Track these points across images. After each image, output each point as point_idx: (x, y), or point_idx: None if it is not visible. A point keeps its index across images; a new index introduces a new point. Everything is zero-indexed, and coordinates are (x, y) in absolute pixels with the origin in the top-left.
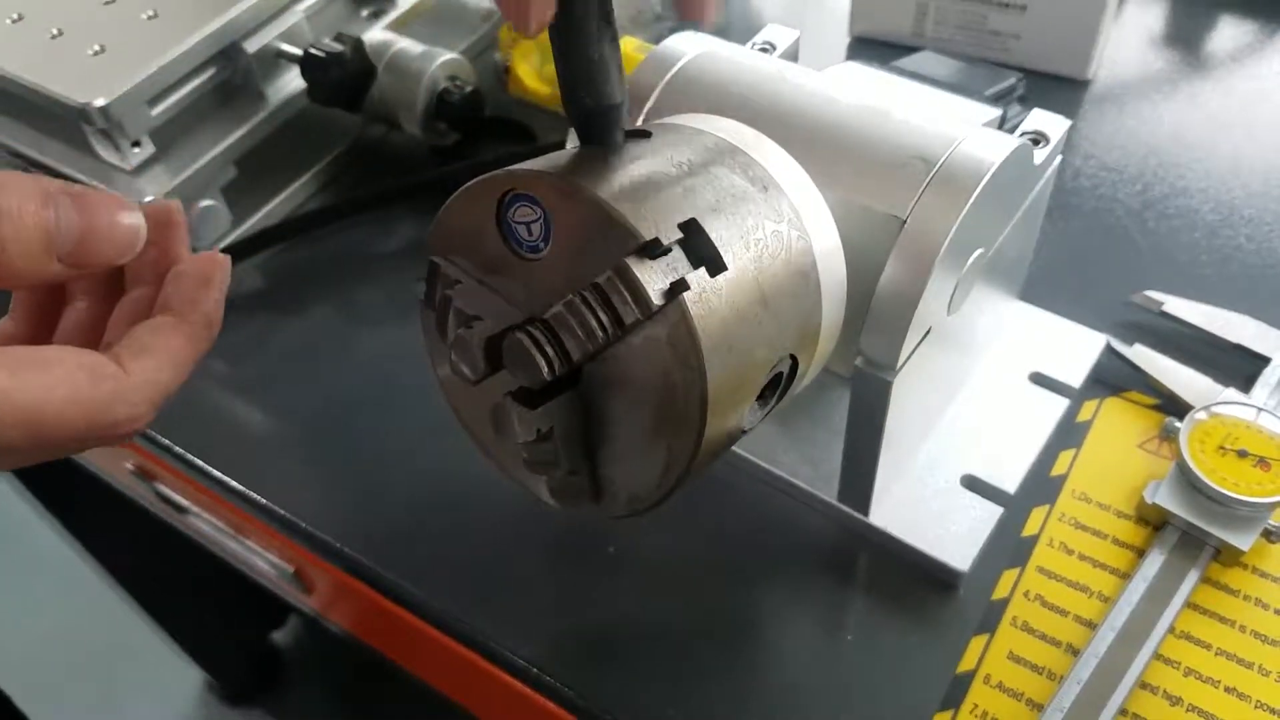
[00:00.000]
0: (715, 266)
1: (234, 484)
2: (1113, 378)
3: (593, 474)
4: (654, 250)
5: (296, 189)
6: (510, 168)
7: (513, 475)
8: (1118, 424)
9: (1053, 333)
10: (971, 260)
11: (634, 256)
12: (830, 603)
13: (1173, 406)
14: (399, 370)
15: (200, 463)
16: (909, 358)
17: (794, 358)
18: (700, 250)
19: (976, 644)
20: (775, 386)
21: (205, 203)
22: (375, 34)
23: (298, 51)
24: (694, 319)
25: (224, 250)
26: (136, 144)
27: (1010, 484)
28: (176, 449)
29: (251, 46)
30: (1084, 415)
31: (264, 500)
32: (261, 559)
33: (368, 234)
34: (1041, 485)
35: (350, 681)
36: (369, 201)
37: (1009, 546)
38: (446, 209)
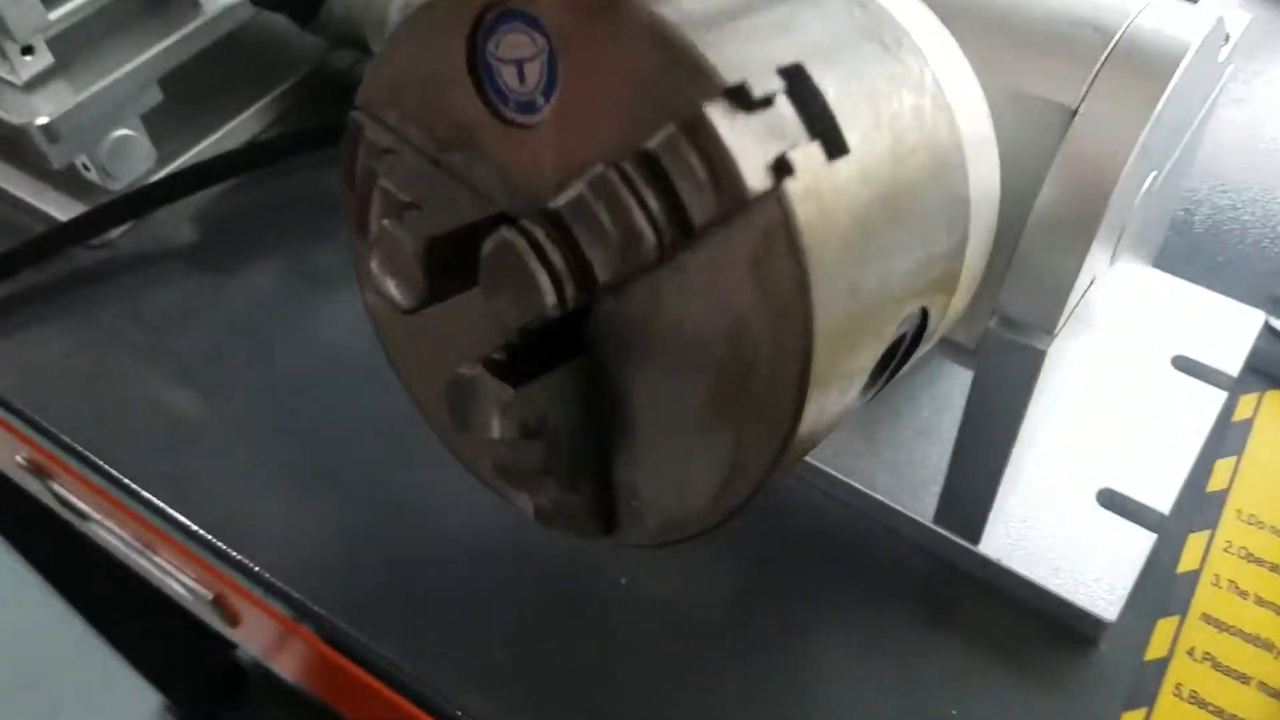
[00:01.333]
0: (836, 145)
1: (133, 485)
2: (1273, 366)
3: (601, 490)
4: (745, 99)
5: (242, 122)
6: None
7: (479, 475)
8: None
9: (1196, 308)
10: (1145, 188)
11: (717, 104)
12: (921, 663)
13: None
14: (362, 346)
15: (94, 458)
16: (1069, 317)
17: (925, 309)
18: (813, 114)
19: None
20: (894, 353)
21: (120, 132)
22: None
23: None
24: (802, 227)
25: (144, 190)
26: (28, 50)
27: (1163, 502)
28: (64, 438)
29: None
30: (1241, 413)
31: (168, 508)
32: (175, 581)
33: (328, 178)
34: (1196, 503)
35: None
36: (328, 136)
37: (1161, 586)
38: (390, 42)
